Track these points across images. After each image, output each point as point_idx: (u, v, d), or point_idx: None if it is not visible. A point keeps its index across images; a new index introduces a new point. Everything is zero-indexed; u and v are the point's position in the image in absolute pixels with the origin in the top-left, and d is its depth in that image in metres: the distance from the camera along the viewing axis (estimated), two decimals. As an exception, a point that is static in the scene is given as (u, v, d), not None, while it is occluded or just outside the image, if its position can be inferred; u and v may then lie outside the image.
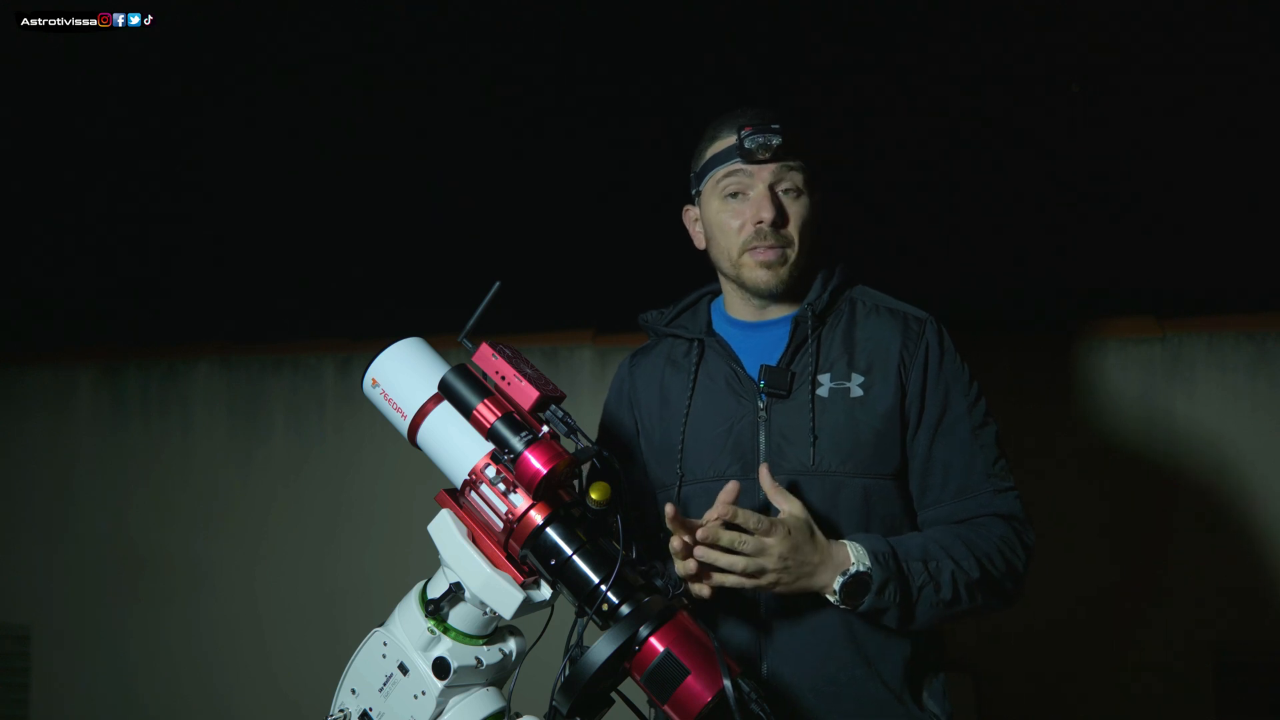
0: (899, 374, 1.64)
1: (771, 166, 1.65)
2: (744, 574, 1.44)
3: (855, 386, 1.64)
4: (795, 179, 1.67)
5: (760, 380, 1.65)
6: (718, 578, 1.46)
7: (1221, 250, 3.14)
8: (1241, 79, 3.28)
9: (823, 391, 1.63)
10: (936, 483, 1.64)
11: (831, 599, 1.50)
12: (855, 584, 1.48)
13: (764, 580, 1.45)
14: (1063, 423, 2.79)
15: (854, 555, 1.50)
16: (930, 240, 3.41)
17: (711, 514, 1.45)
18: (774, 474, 1.59)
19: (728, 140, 1.68)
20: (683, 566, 1.45)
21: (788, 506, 1.50)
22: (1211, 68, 3.29)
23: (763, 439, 1.63)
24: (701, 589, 1.46)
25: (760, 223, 1.65)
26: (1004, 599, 1.61)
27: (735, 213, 1.68)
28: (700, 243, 1.79)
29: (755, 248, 1.66)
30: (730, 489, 1.48)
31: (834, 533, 1.57)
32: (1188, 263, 3.12)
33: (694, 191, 1.77)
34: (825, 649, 1.58)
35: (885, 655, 1.60)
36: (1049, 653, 2.76)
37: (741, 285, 1.71)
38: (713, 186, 1.70)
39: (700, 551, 1.44)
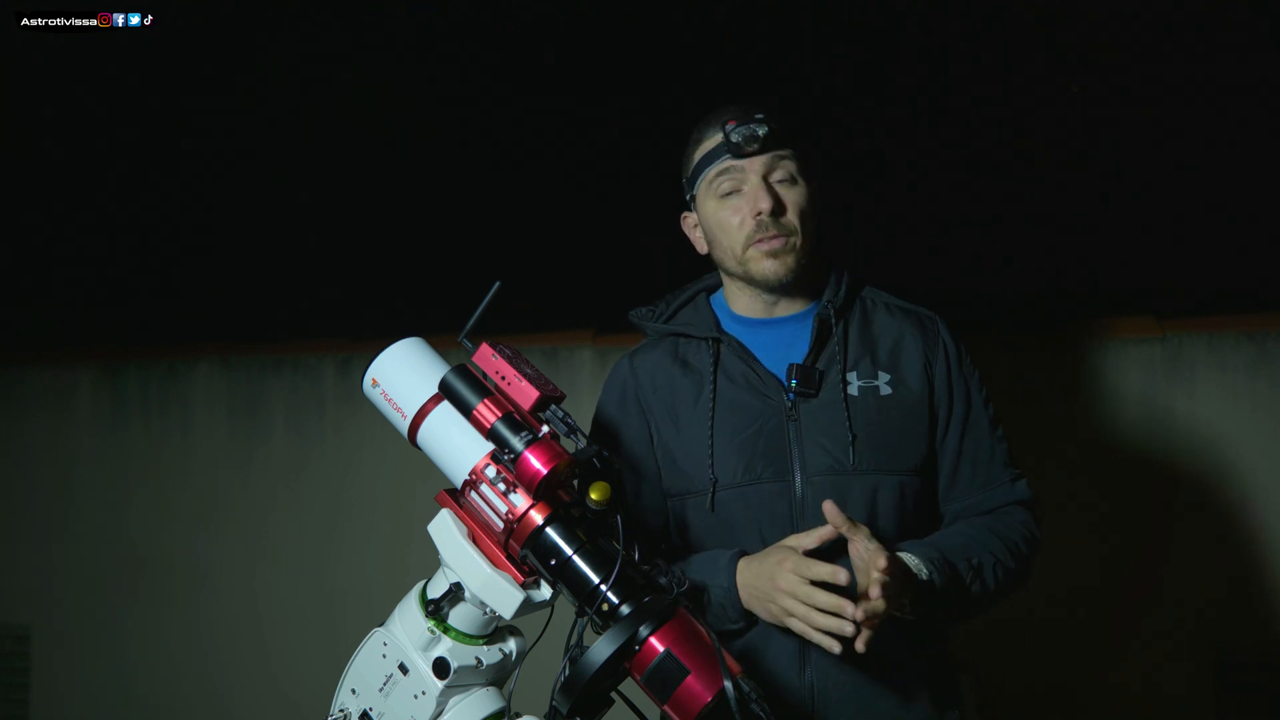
0: (925, 371, 1.67)
1: (762, 157, 1.64)
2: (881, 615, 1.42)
3: (883, 384, 1.65)
4: (788, 167, 1.66)
5: (792, 379, 1.63)
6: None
7: (1221, 250, 3.15)
8: (1242, 79, 3.28)
9: (852, 389, 1.64)
10: (966, 475, 1.68)
11: (898, 613, 1.49)
12: (922, 594, 1.50)
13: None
14: (1063, 423, 2.79)
15: (913, 567, 1.51)
16: (930, 240, 3.41)
17: (875, 571, 1.41)
18: (810, 474, 1.60)
19: (714, 139, 1.67)
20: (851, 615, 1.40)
21: (865, 535, 1.47)
22: (1212, 68, 3.29)
23: (794, 439, 1.62)
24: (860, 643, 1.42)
25: (760, 214, 1.63)
26: (1027, 579, 1.66)
27: (733, 209, 1.66)
28: (702, 248, 1.77)
29: (760, 240, 1.64)
30: (831, 511, 1.46)
31: (874, 528, 1.56)
32: (1188, 263, 3.12)
33: (688, 197, 1.75)
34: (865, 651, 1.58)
35: (915, 654, 1.61)
36: (1049, 652, 2.76)
37: (751, 281, 1.69)
38: (706, 188, 1.69)
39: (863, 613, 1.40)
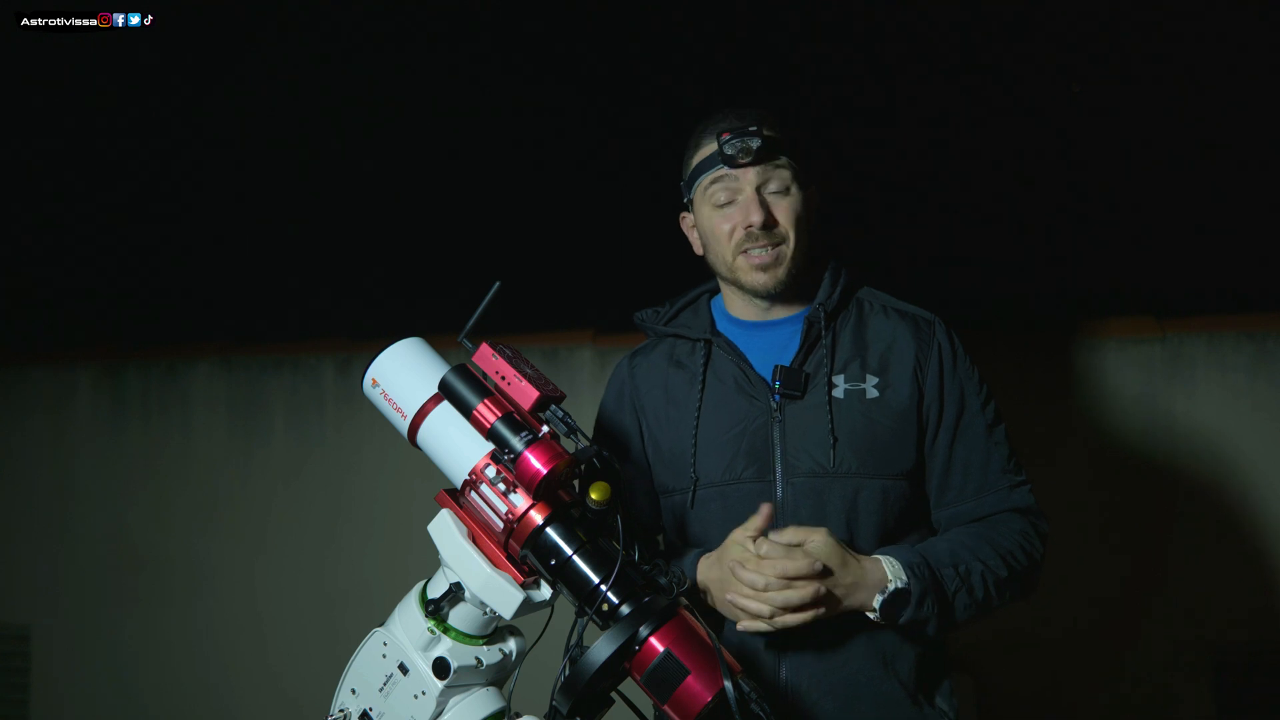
0: (915, 376, 1.66)
1: (756, 168, 1.64)
2: (799, 610, 1.47)
3: (870, 388, 1.64)
4: (782, 176, 1.66)
5: (776, 381, 1.64)
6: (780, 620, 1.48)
7: (1221, 250, 3.14)
8: (1241, 79, 3.28)
9: (838, 392, 1.64)
10: (957, 482, 1.66)
11: (872, 616, 1.51)
12: (895, 600, 1.50)
13: (813, 612, 1.48)
14: (1063, 423, 2.79)
15: (890, 572, 1.51)
16: (930, 240, 3.41)
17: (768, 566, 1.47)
18: (791, 476, 1.60)
19: (709, 147, 1.67)
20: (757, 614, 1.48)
21: (813, 539, 1.50)
22: (1211, 68, 3.29)
23: (777, 440, 1.63)
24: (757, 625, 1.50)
25: (750, 226, 1.64)
26: (1026, 590, 1.65)
27: (726, 218, 1.67)
28: (699, 249, 1.79)
29: (748, 250, 1.66)
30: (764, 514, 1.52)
31: (853, 532, 1.59)
32: (1188, 263, 3.12)
33: (685, 200, 1.77)
34: (844, 650, 1.59)
35: (900, 654, 1.61)
36: (1049, 652, 2.76)
37: (740, 288, 1.71)
38: (701, 194, 1.70)
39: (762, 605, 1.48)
